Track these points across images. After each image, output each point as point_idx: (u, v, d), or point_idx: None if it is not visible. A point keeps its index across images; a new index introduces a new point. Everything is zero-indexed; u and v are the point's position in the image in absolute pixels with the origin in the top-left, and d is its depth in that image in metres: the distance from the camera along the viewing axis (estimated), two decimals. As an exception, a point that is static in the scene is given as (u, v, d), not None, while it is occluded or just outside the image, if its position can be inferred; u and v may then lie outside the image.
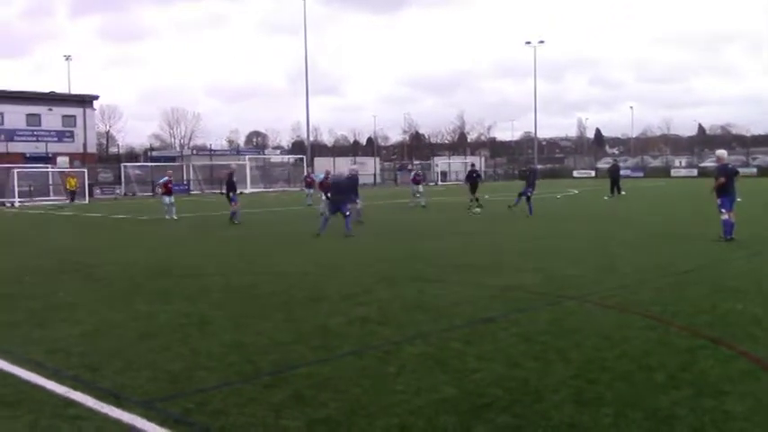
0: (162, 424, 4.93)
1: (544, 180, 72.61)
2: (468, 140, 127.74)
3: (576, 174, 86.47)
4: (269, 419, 4.98)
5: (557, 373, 6.00)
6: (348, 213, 19.01)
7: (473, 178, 30.63)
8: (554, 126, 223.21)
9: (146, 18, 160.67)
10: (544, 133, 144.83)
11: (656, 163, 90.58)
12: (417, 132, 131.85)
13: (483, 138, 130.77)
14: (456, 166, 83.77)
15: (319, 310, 8.81)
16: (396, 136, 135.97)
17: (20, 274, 12.73)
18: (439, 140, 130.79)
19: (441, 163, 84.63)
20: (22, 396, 5.64)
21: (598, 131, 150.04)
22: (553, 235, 18.12)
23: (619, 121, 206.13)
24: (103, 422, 5.02)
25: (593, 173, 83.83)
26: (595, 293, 9.64)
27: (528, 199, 24.68)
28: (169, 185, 27.64)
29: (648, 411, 5.03)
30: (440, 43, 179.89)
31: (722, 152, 16.95)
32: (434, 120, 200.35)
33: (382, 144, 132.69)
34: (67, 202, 43.43)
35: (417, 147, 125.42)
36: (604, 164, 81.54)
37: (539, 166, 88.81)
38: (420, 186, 32.32)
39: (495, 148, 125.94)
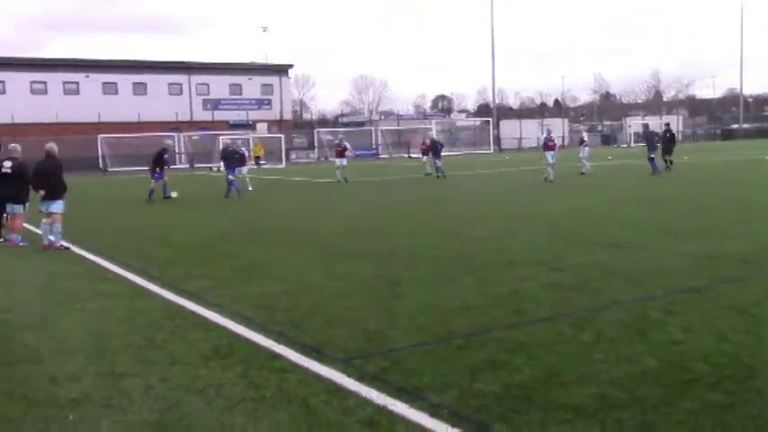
0: (360, 380, 5.10)
1: (748, 141, 67.25)
2: (664, 99, 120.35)
3: (788, 133, 78.79)
4: (463, 382, 5.00)
5: (773, 349, 5.53)
6: (231, 179, 22.87)
7: (667, 138, 28.95)
8: (763, 82, 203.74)
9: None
10: (751, 89, 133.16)
11: None
12: (608, 92, 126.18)
13: (681, 96, 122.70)
14: (650, 126, 79.21)
15: (510, 275, 8.71)
16: (585, 97, 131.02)
17: (226, 234, 13.69)
18: (632, 100, 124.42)
19: (633, 123, 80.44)
20: (233, 348, 6.07)
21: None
22: (762, 200, 16.69)
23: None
24: (305, 376, 5.28)
25: (808, 132, 75.99)
26: (816, 264, 8.76)
27: (652, 160, 25.78)
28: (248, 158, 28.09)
29: None
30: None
31: None
32: (627, 78, 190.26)
33: (570, 105, 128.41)
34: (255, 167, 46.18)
35: (608, 107, 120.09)
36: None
37: (737, 125, 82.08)
38: (549, 155, 25.32)
39: (694, 106, 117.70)
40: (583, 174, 27.70)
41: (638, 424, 4.22)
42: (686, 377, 4.95)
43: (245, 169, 25.86)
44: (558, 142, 26.51)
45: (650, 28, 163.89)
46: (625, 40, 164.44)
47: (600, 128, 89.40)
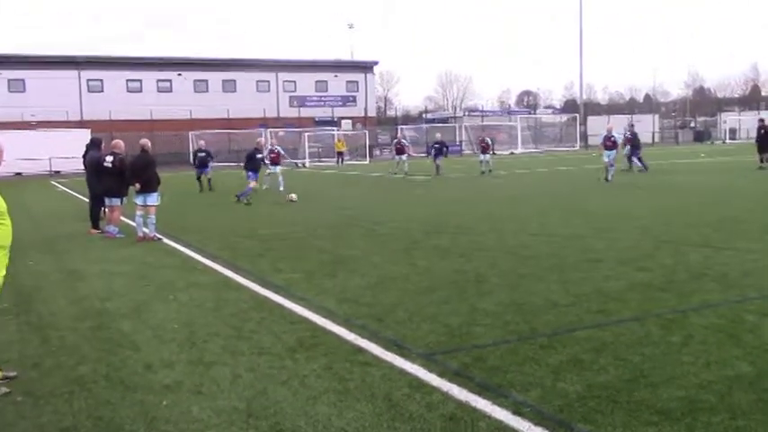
0: (442, 376, 5.13)
1: None
2: (762, 94, 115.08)
3: None
4: (547, 380, 4.96)
5: None
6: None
7: (762, 135, 27.61)
8: None
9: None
10: None
11: None
12: (702, 86, 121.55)
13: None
14: (747, 122, 76.08)
15: (596, 274, 8.56)
16: (677, 91, 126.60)
17: (311, 228, 13.93)
18: (727, 94, 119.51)
19: (729, 119, 77.32)
20: (317, 340, 6.20)
21: None
22: None
23: None
24: (389, 370, 5.34)
25: None
26: None
27: (630, 159, 28.11)
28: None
29: None
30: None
31: None
32: (722, 72, 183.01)
33: (662, 100, 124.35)
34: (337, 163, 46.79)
35: (701, 102, 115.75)
36: None
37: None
38: (610, 154, 24.16)
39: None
40: (623, 171, 27.25)
41: (729, 429, 4.11)
42: (781, 383, 4.78)
43: (278, 168, 25.11)
44: (618, 141, 25.38)
45: (748, 19, 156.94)
46: (721, 33, 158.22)
47: (693, 124, 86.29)
